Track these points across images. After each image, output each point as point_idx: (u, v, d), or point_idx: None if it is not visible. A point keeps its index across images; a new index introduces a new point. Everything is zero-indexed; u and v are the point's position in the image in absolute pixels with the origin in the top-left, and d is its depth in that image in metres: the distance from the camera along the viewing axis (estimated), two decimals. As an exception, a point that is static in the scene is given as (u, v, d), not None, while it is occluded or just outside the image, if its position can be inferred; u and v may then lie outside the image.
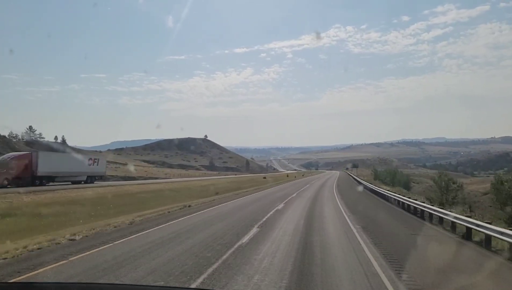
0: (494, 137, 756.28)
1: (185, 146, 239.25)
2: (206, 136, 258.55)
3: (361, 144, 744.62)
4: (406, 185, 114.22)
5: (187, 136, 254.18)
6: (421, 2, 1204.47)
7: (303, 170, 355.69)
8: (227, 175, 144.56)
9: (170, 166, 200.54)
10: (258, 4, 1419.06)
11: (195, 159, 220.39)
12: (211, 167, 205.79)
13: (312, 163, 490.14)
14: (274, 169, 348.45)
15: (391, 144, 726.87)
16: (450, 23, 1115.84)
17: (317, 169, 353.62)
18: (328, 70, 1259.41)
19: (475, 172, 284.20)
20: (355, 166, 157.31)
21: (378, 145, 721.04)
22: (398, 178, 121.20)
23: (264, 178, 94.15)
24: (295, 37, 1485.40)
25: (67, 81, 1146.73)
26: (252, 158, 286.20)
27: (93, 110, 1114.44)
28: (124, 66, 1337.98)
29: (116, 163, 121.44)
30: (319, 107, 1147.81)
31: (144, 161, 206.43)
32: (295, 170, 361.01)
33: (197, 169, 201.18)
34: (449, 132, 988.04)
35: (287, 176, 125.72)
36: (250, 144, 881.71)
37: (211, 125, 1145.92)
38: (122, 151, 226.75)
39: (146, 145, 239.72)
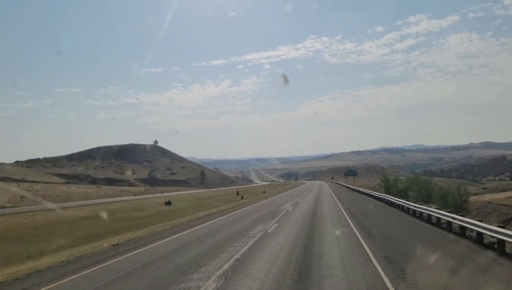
0: (473, 143, 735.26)
1: (125, 155, 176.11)
2: (156, 141, 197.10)
3: (342, 153, 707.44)
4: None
5: (132, 142, 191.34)
6: (393, 12, 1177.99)
7: (281, 180, 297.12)
8: (166, 192, 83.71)
9: (94, 181, 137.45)
10: (234, 16, 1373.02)
11: (133, 171, 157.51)
12: (150, 181, 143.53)
13: (291, 173, 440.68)
14: (250, 180, 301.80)
15: (373, 152, 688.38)
16: (422, 33, 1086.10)
17: (296, 180, 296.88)
18: (305, 81, 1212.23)
19: (475, 178, 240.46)
20: (351, 173, 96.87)
21: (359, 153, 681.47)
22: (440, 192, 61.68)
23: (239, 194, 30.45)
24: (272, 48, 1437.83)
25: (41, 96, 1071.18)
26: (216, 168, 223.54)
27: (69, 125, 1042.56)
28: (100, 80, 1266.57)
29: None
30: (298, 118, 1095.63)
31: (59, 175, 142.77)
32: (273, 180, 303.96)
33: (131, 184, 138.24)
34: (428, 139, 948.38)
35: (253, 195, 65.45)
36: (230, 156, 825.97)
37: (190, 138, 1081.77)
38: (36, 162, 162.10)
39: (73, 154, 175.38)
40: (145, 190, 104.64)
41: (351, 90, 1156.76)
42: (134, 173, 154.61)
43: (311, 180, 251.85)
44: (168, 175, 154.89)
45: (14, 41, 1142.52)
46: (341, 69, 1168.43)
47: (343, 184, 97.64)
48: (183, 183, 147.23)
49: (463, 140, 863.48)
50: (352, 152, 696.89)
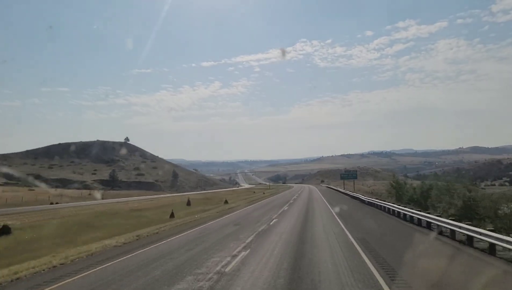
0: (462, 147, 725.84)
1: (88, 152, 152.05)
2: (127, 138, 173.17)
3: (331, 156, 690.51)
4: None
5: (98, 139, 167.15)
6: (383, 17, 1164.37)
7: (268, 183, 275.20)
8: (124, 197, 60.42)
9: (45, 181, 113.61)
10: (224, 18, 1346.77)
11: (94, 170, 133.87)
12: (111, 183, 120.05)
13: (280, 176, 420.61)
14: (236, 183, 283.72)
15: (362, 155, 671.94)
16: (411, 38, 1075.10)
17: (284, 183, 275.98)
18: (295, 84, 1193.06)
19: (474, 183, 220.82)
20: (350, 175, 74.06)
21: (348, 156, 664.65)
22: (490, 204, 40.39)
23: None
24: (262, 50, 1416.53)
25: (27, 95, 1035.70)
26: (195, 169, 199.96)
27: (56, 125, 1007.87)
28: (88, 80, 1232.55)
29: None
30: (287, 121, 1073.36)
31: (3, 174, 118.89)
32: (260, 183, 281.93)
33: (87, 186, 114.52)
34: (416, 143, 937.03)
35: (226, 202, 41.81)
36: (219, 158, 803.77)
37: (179, 139, 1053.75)
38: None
39: (29, 151, 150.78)
40: (89, 194, 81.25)
41: (340, 94, 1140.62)
42: (94, 174, 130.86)
43: (300, 183, 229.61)
44: (134, 177, 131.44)
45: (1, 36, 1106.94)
46: (331, 73, 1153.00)
47: (338, 189, 75.74)
48: (150, 186, 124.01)
49: (451, 144, 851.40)
50: (341, 155, 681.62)
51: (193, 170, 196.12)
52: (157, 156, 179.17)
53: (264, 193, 78.08)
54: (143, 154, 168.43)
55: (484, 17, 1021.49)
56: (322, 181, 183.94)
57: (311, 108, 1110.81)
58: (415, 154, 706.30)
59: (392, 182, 64.82)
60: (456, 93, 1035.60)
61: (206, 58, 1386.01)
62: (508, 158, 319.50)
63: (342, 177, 72.46)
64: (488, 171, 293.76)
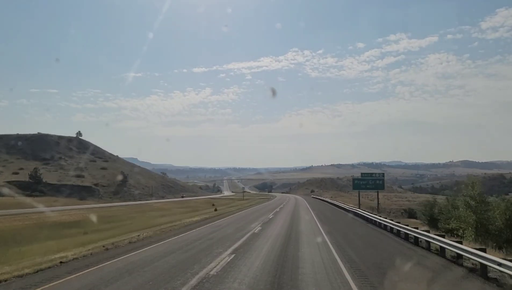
0: (453, 161, 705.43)
1: (21, 148, 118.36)
2: (79, 133, 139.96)
3: (321, 166, 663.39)
4: None
5: (39, 132, 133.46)
6: (374, 29, 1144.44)
7: (252, 192, 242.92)
8: None
9: None
10: (216, 24, 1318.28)
11: (19, 169, 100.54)
12: (32, 186, 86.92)
13: (267, 184, 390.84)
14: (219, 191, 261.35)
15: (353, 166, 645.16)
16: (402, 52, 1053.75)
17: (269, 192, 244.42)
18: (286, 93, 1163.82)
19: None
20: (372, 184, 40.70)
21: (338, 166, 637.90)
22: None
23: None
24: (254, 58, 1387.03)
25: (15, 95, 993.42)
26: (163, 173, 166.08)
27: (45, 126, 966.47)
28: (77, 82, 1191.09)
29: None
30: (278, 129, 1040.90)
31: None
32: (245, 191, 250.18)
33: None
34: (406, 156, 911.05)
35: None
36: (207, 164, 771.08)
37: (168, 144, 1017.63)
38: None
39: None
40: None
41: (331, 105, 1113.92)
42: (17, 173, 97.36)
43: (286, 192, 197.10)
44: (69, 178, 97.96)
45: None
46: (322, 83, 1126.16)
47: (351, 207, 43.43)
48: (86, 191, 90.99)
49: (441, 158, 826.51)
50: (331, 165, 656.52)
51: (161, 174, 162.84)
52: (117, 156, 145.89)
53: (214, 211, 45.67)
54: (96, 152, 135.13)
55: (474, 34, 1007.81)
56: (312, 191, 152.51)
57: (301, 117, 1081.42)
58: (405, 166, 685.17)
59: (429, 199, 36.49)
60: (445, 107, 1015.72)
61: (198, 64, 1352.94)
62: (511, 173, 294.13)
63: (356, 185, 39.94)
64: (490, 186, 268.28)
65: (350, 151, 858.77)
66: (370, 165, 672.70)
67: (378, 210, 42.28)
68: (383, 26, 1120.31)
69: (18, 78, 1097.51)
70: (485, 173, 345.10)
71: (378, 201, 47.92)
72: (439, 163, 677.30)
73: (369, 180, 40.57)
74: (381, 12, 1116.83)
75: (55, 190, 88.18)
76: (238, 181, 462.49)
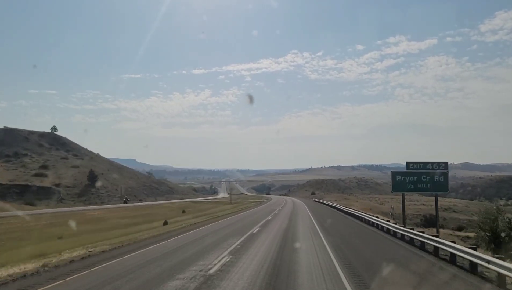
0: (453, 163, 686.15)
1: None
2: (54, 128, 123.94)
3: (320, 167, 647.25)
4: None
5: (6, 126, 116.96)
6: (374, 32, 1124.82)
7: (250, 194, 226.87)
8: None
9: None
10: (216, 26, 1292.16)
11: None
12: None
13: (266, 186, 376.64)
14: (215, 193, 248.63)
15: (353, 168, 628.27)
16: (402, 54, 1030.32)
17: (268, 194, 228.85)
18: (286, 95, 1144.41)
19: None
20: (430, 185, 24.32)
21: (338, 168, 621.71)
22: None
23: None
24: (254, 60, 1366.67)
25: (14, 96, 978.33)
26: (149, 173, 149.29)
27: (43, 127, 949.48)
28: (77, 83, 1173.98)
29: None
30: (277, 131, 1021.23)
31: None
32: (242, 193, 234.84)
33: None
34: (405, 158, 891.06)
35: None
36: (207, 166, 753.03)
37: (168, 146, 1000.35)
38: None
39: None
40: None
41: (330, 107, 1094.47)
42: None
43: (285, 195, 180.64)
44: (26, 178, 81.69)
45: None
46: (321, 85, 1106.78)
47: (374, 218, 27.25)
48: (43, 193, 74.75)
49: (440, 160, 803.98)
50: (331, 167, 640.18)
51: (147, 174, 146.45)
52: (97, 154, 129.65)
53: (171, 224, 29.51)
54: (72, 149, 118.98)
55: (473, 36, 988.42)
56: (313, 193, 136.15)
57: (301, 119, 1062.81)
58: (405, 168, 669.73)
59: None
60: (444, 110, 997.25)
61: (197, 66, 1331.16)
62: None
63: (399, 185, 23.03)
64: (499, 188, 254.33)
65: (350, 153, 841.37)
66: (370, 167, 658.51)
67: (437, 223, 26.02)
68: (383, 29, 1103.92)
69: (17, 78, 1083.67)
70: (491, 175, 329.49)
71: (437, 209, 31.49)
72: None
73: (423, 176, 24.27)
74: (381, 15, 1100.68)
75: (2, 192, 72.00)
76: (236, 183, 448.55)
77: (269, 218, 32.32)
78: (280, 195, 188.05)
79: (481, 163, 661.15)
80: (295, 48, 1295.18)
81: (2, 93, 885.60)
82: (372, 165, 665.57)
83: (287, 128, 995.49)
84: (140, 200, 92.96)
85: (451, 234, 53.10)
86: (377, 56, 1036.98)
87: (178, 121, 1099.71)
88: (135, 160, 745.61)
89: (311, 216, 35.27)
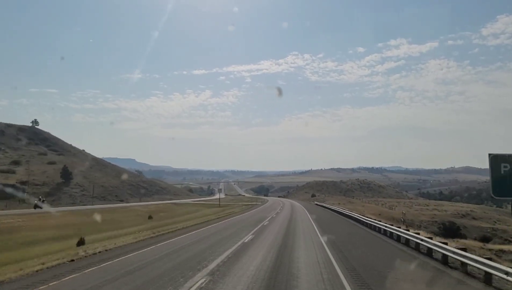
0: (454, 167, 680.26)
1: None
2: (35, 122, 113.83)
3: (320, 169, 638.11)
4: None
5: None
6: (375, 34, 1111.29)
7: (248, 195, 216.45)
8: None
9: None
10: (217, 27, 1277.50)
11: None
12: None
13: (264, 187, 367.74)
14: (211, 194, 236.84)
15: (353, 170, 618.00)
16: (402, 57, 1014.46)
17: (266, 195, 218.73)
18: (286, 96, 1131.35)
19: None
20: None
21: (338, 170, 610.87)
22: None
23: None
24: (254, 61, 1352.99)
25: (15, 95, 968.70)
26: (138, 171, 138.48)
27: (42, 126, 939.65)
28: (77, 82, 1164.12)
29: None
30: (278, 133, 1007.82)
31: None
32: (239, 194, 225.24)
33: None
34: (405, 161, 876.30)
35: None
36: (206, 167, 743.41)
37: (168, 146, 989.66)
38: None
39: None
40: None
41: (331, 109, 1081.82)
42: None
43: (283, 196, 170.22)
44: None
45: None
46: (322, 87, 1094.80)
47: (406, 233, 16.95)
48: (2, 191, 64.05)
49: (441, 164, 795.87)
50: (331, 169, 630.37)
51: (135, 172, 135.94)
52: (83, 150, 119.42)
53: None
54: (53, 145, 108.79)
55: (475, 40, 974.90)
56: (313, 196, 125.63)
57: (301, 121, 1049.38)
58: (406, 171, 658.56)
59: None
60: (445, 113, 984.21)
61: (198, 66, 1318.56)
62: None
63: (497, 192, 12.48)
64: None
65: (350, 156, 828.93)
66: (371, 169, 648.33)
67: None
68: (384, 31, 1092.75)
69: (19, 77, 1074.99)
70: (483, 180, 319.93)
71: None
72: (440, 169, 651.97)
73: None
74: (381, 17, 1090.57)
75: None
76: (234, 184, 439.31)
77: (249, 237, 21.50)
78: (279, 197, 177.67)
79: (482, 167, 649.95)
80: (296, 49, 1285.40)
81: (2, 91, 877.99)
82: (373, 167, 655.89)
83: (287, 129, 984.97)
84: (122, 201, 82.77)
85: (482, 247, 42.95)
86: (378, 59, 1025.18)
87: (178, 121, 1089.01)
88: (134, 160, 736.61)
89: (317, 231, 24.72)
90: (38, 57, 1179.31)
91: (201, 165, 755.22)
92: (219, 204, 68.21)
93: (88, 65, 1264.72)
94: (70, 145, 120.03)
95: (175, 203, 73.07)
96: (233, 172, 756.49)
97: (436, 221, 73.86)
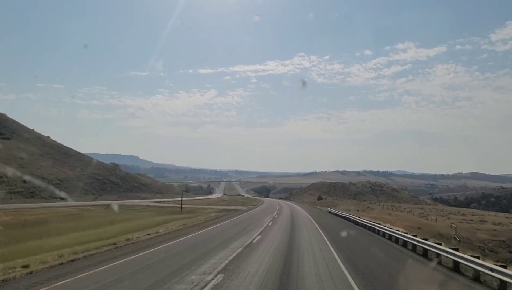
0: (461, 173, 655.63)
1: None
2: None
3: (325, 171, 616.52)
4: None
5: None
6: (382, 37, 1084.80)
7: (247, 195, 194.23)
8: None
9: None
10: (223, 26, 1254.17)
11: None
12: None
13: (267, 188, 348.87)
14: (210, 192, 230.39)
15: (358, 173, 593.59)
16: (410, 61, 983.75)
17: (267, 197, 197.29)
18: (292, 97, 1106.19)
19: None
20: None
21: (343, 173, 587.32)
22: None
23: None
24: (260, 62, 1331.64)
25: (22, 89, 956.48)
26: (113, 164, 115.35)
27: (50, 122, 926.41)
28: (84, 78, 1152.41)
29: None
30: (282, 134, 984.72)
31: None
32: (239, 194, 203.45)
33: None
34: (411, 165, 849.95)
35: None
36: (210, 166, 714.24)
37: (172, 145, 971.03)
38: None
39: None
40: None
41: (336, 111, 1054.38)
42: None
43: (285, 198, 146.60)
44: None
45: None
46: (328, 89, 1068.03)
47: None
48: None
49: (448, 169, 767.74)
50: (335, 171, 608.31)
51: (111, 165, 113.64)
52: (47, 136, 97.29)
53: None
54: (2, 128, 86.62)
55: (483, 45, 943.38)
56: (320, 199, 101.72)
57: (307, 123, 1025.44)
58: (412, 176, 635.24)
59: None
60: (451, 118, 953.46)
61: (203, 65, 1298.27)
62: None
63: None
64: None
65: (354, 159, 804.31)
66: (376, 173, 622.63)
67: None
68: (391, 35, 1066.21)
69: (25, 72, 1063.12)
70: (502, 187, 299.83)
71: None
72: (447, 174, 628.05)
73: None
74: (389, 21, 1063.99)
75: None
76: (236, 183, 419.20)
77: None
78: (280, 198, 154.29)
79: (491, 173, 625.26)
80: (302, 51, 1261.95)
81: (10, 86, 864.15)
82: (378, 171, 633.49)
83: (292, 131, 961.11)
84: (62, 199, 60.47)
85: None
86: (384, 62, 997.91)
87: (183, 120, 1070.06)
88: (137, 157, 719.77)
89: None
90: (45, 52, 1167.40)
91: (204, 164, 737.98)
92: (181, 209, 44.21)
93: (95, 61, 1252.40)
94: (32, 130, 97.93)
95: (106, 206, 49.49)
96: (236, 172, 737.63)
97: (500, 240, 50.19)
